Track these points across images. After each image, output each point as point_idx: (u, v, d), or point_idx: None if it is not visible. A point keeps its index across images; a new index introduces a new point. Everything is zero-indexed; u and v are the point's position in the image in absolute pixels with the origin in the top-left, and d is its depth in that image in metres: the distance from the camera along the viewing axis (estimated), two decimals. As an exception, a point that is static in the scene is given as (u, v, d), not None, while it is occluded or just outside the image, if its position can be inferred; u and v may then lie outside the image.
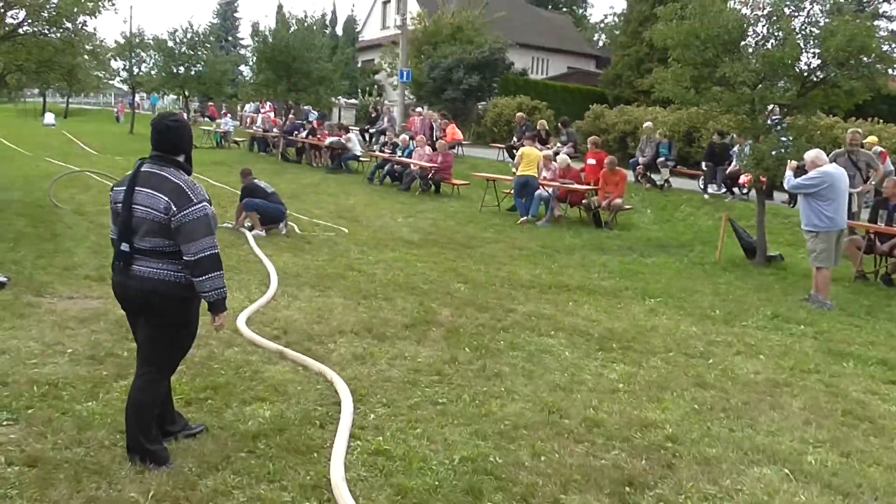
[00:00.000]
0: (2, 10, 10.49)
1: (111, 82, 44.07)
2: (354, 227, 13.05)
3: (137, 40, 34.73)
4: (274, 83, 23.05)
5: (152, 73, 32.59)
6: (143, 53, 34.33)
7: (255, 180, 12.50)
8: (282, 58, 22.45)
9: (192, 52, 30.63)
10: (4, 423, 4.48)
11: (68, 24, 11.23)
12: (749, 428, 5.17)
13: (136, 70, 34.68)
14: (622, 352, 6.78)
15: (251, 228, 11.86)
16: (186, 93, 31.40)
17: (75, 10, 11.37)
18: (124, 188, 3.95)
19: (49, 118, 41.34)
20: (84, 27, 11.63)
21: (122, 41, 35.62)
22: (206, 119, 35.77)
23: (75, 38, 11.49)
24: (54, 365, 5.50)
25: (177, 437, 4.36)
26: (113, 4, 11.66)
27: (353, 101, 39.34)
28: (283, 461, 4.21)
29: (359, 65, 46.39)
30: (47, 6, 10.70)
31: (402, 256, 10.70)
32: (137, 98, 53.45)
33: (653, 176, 17.05)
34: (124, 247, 3.97)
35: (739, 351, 7.03)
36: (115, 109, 49.49)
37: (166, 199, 3.84)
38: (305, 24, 23.53)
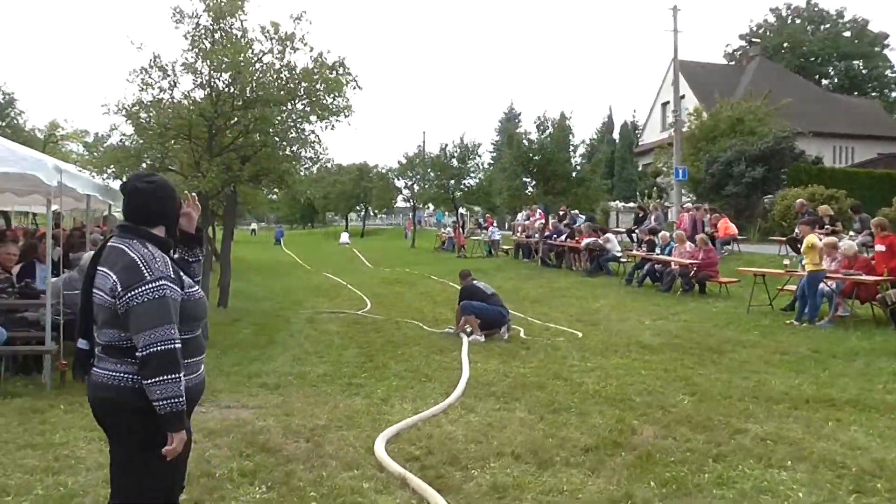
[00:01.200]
0: (216, 123, 10.73)
1: (396, 201, 47.09)
2: (589, 331, 11.67)
3: (417, 160, 36.65)
4: (532, 187, 22.64)
5: (428, 187, 33.99)
6: (421, 171, 36.03)
7: (475, 282, 11.74)
8: (537, 161, 22.00)
9: (461, 165, 31.51)
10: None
11: (293, 134, 11.38)
12: None
13: (416, 187, 36.52)
14: (891, 496, 4.69)
15: (471, 333, 10.98)
16: (456, 204, 32.19)
17: (308, 120, 11.56)
18: None
19: (344, 237, 44.96)
20: (309, 134, 11.71)
21: (403, 161, 37.80)
22: (482, 230, 36.29)
23: (298, 149, 11.63)
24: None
25: None
26: (346, 116, 11.68)
27: (630, 204, 38.05)
28: None
29: (639, 168, 45.24)
30: (272, 119, 10.88)
31: (628, 363, 9.12)
32: (426, 214, 56.89)
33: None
34: (81, 343, 3.15)
35: None
36: (404, 226, 52.63)
37: (114, 277, 2.98)
38: (559, 126, 22.88)
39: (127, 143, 10.80)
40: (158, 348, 2.88)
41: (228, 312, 13.48)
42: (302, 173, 12.49)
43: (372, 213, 64.11)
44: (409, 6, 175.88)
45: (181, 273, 3.17)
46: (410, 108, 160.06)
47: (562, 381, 8.13)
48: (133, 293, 2.92)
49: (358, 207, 59.69)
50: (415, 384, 8.03)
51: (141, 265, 2.97)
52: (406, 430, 6.16)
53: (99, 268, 3.06)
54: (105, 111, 10.30)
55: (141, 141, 10.88)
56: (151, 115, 10.63)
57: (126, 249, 3.03)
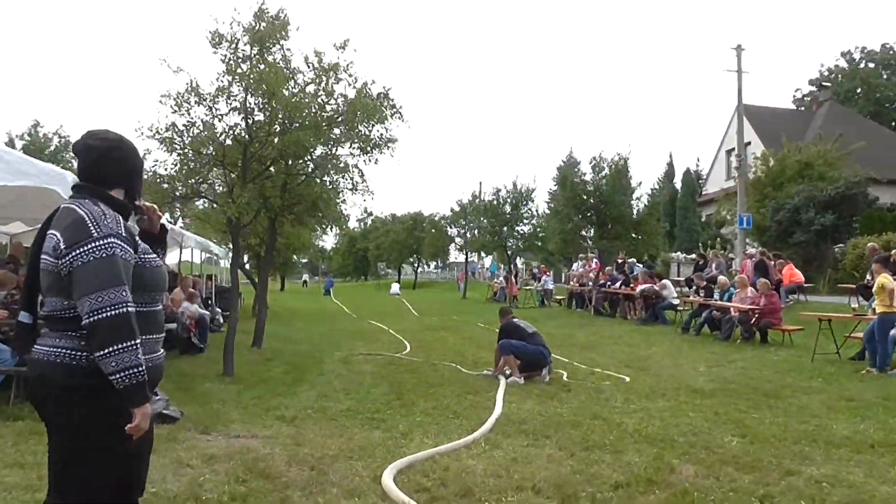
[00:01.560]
0: (253, 151, 10.68)
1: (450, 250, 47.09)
2: (638, 376, 11.21)
3: (470, 207, 36.56)
4: (581, 230, 22.28)
5: (480, 235, 33.82)
6: (474, 219, 35.87)
7: (515, 320, 11.38)
8: (592, 203, 21.68)
9: (514, 211, 31.28)
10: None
11: (332, 162, 11.33)
12: None
13: (468, 235, 36.41)
14: (962, 544, 4.19)
15: (510, 375, 10.61)
16: (509, 252, 31.89)
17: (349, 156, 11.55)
18: None
19: (394, 288, 45.05)
20: (351, 167, 11.64)
21: (457, 209, 37.79)
22: (536, 280, 35.83)
23: (336, 178, 11.58)
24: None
25: None
26: (389, 149, 11.62)
27: (692, 256, 37.27)
28: None
29: (702, 219, 44.42)
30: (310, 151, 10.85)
31: (675, 406, 8.64)
32: (479, 266, 56.64)
33: None
34: (23, 317, 2.94)
35: None
36: (457, 278, 52.33)
37: (58, 235, 2.76)
38: (617, 167, 22.53)
39: (160, 171, 10.80)
40: (108, 314, 2.63)
41: (262, 352, 13.38)
42: (340, 203, 12.33)
43: (425, 266, 64.19)
44: (470, 56, 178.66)
45: (137, 237, 2.95)
46: (468, 159, 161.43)
47: (600, 420, 7.71)
48: (78, 251, 2.68)
49: (411, 259, 59.85)
50: (441, 420, 7.71)
51: (88, 222, 2.74)
52: (421, 461, 5.83)
53: (49, 231, 2.86)
54: (138, 135, 10.36)
55: (175, 167, 10.88)
56: (186, 140, 10.64)
57: (75, 208, 2.81)
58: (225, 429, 6.96)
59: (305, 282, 71.93)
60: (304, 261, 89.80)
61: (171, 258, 20.79)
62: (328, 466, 5.64)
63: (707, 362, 12.68)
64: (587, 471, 5.67)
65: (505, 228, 31.39)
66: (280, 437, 6.70)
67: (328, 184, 11.75)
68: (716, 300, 16.89)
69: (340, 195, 12.18)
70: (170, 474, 5.23)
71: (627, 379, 10.89)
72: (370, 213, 47.49)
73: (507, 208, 31.50)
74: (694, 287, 19.88)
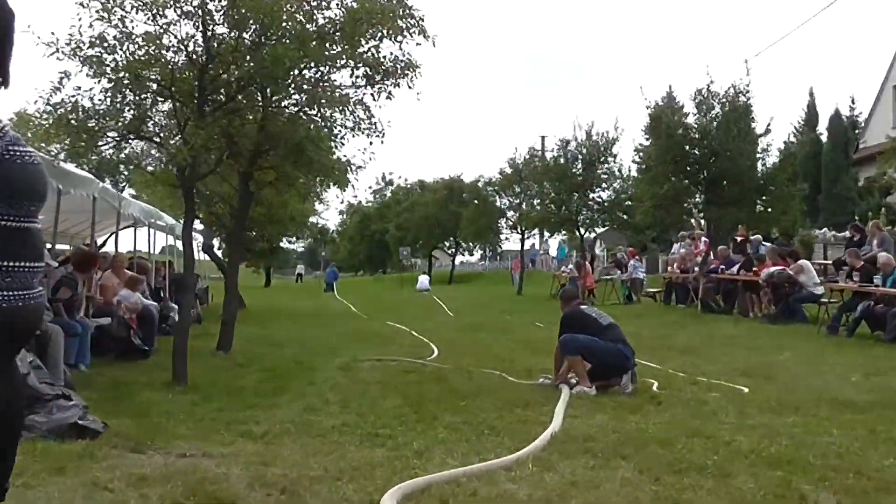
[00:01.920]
0: (215, 73, 10.63)
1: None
2: (761, 386, 11.07)
3: (528, 169, 36.26)
4: (683, 195, 22.02)
5: (541, 206, 33.60)
6: (534, 185, 35.55)
7: (583, 307, 11.26)
8: (697, 155, 21.42)
9: (588, 171, 30.97)
10: None
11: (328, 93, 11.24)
12: None
13: (524, 206, 36.27)
14: None
15: (576, 383, 10.47)
16: (581, 229, 31.69)
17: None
18: None
19: (423, 282, 45.09)
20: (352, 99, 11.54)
21: (508, 171, 37.61)
22: (620, 268, 35.44)
23: (331, 113, 11.49)
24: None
25: None
26: (407, 77, 11.53)
27: (844, 233, 36.71)
28: None
29: (859, 182, 43.75)
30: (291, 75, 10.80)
31: (814, 421, 8.48)
32: (542, 252, 56.53)
33: None
34: None
35: None
36: (510, 268, 52.11)
37: None
38: (733, 105, 22.20)
39: (84, 102, 10.72)
40: None
41: (230, 357, 13.46)
42: (336, 148, 12.21)
43: (466, 253, 64.31)
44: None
45: (5, 127, 2.84)
46: (524, 110, 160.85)
47: (701, 438, 7.59)
48: None
49: (446, 243, 59.91)
50: (472, 437, 7.67)
51: None
52: (439, 484, 5.74)
53: None
54: (52, 51, 10.25)
55: (106, 97, 10.78)
56: (120, 60, 10.54)
57: None
58: (165, 446, 6.95)
59: (300, 275, 72.32)
60: (301, 249, 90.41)
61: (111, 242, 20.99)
62: (305, 489, 5.58)
63: (862, 369, 12.50)
64: (677, 497, 5.56)
65: (576, 195, 31.07)
66: (242, 455, 6.68)
67: (320, 119, 11.65)
68: (877, 286, 16.57)
69: (337, 137, 12.07)
70: (79, 499, 5.21)
71: (745, 390, 10.76)
72: (389, 182, 47.70)
73: (579, 167, 31.16)
74: (846, 269, 19.53)
